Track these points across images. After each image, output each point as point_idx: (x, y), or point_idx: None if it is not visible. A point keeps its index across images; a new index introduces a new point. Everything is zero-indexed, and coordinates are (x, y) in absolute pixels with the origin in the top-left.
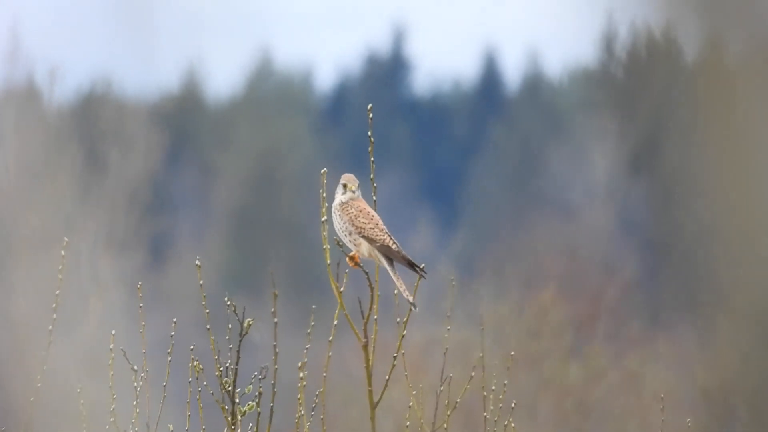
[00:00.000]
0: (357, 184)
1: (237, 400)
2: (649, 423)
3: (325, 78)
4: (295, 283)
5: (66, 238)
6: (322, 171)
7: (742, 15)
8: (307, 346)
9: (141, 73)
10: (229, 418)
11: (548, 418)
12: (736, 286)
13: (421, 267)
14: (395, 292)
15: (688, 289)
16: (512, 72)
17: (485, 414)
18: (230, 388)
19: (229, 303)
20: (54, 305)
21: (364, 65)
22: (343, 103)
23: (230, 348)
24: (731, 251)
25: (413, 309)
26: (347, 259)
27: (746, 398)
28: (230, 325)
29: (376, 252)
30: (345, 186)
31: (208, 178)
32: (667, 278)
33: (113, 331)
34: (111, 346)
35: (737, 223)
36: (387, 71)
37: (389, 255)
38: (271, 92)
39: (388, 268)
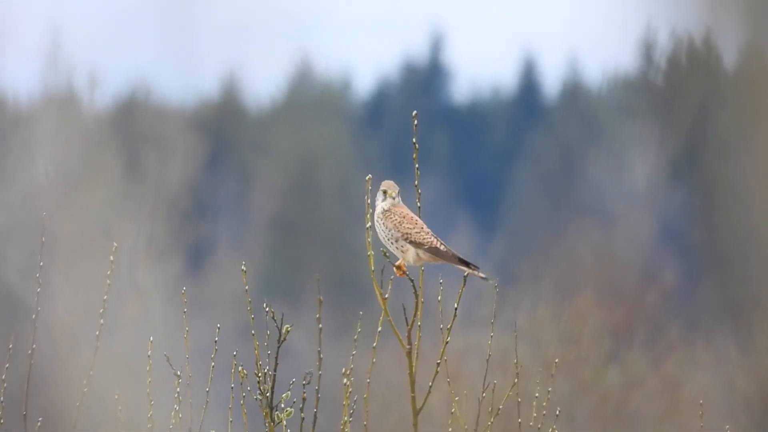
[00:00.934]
0: (397, 191)
1: (279, 406)
2: (688, 429)
3: (364, 85)
4: (334, 290)
5: (115, 243)
6: (367, 177)
7: None
8: (354, 352)
9: (180, 79)
10: (268, 424)
11: (586, 423)
12: None
13: (474, 264)
14: (438, 298)
15: (727, 295)
16: (551, 79)
17: (519, 420)
18: (268, 394)
19: (267, 309)
20: (101, 310)
21: (402, 72)
22: (381, 109)
23: (269, 354)
24: None
25: (489, 282)
26: (394, 268)
27: None
28: (269, 332)
29: (425, 255)
30: (385, 192)
31: (248, 185)
32: (706, 284)
33: (150, 338)
34: (149, 352)
35: None
36: (425, 78)
37: (439, 256)
38: (310, 99)
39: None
